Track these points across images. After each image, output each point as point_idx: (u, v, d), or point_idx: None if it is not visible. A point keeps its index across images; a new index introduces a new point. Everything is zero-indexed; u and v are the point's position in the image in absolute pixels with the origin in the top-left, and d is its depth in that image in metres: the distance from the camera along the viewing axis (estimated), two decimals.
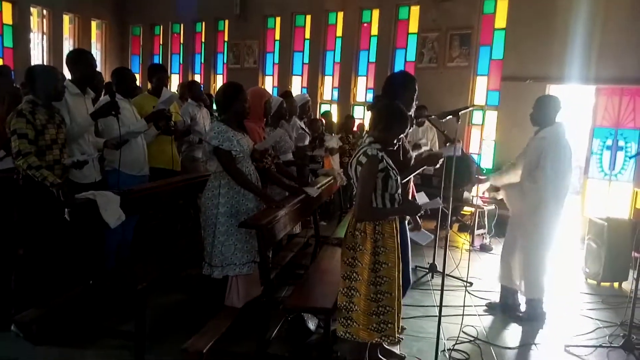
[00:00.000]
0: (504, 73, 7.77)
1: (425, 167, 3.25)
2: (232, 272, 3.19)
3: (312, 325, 3.46)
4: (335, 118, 8.80)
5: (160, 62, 11.22)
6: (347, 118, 8.00)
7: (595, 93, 7.02)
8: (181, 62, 11.59)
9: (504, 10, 7.85)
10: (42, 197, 3.04)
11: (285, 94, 4.95)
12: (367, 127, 7.65)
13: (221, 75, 11.12)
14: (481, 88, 8.29)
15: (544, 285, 4.03)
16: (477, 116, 8.35)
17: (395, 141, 2.69)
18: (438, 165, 3.23)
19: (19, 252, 3.32)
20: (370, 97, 9.27)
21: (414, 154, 3.42)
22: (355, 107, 9.52)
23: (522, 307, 4.16)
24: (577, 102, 7.46)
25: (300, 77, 10.15)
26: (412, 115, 3.27)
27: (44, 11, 10.41)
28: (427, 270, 5.03)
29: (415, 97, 3.25)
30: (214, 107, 7.51)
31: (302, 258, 4.69)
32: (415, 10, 8.74)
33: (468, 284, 4.60)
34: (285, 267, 4.27)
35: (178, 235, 4.61)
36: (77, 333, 3.28)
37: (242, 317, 3.20)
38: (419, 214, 3.03)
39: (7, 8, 9.71)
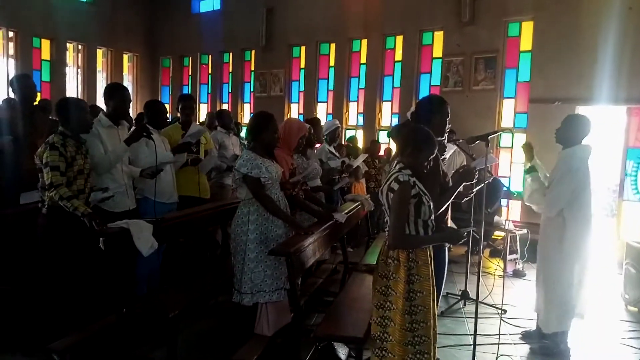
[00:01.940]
0: (532, 95, 7.69)
1: (463, 183, 3.08)
2: (262, 299, 3.18)
3: (342, 354, 3.41)
4: (360, 143, 8.83)
5: (190, 92, 11.54)
6: (372, 143, 8.01)
7: (627, 113, 6.87)
8: (209, 91, 11.90)
9: (529, 32, 7.81)
10: (69, 226, 3.11)
11: (313, 121, 5.00)
12: (394, 151, 7.66)
13: (248, 104, 11.34)
14: (508, 111, 8.20)
15: (562, 319, 3.73)
16: (505, 139, 8.25)
17: (425, 165, 2.65)
18: (475, 180, 3.08)
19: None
20: (395, 121, 9.28)
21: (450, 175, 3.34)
22: (381, 132, 9.53)
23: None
24: (608, 123, 7.30)
25: (325, 104, 10.25)
26: (445, 139, 3.24)
27: (79, 46, 10.89)
28: (459, 297, 4.91)
29: (447, 120, 3.20)
30: (242, 134, 7.73)
31: (330, 284, 4.64)
32: (439, 35, 8.78)
33: (502, 312, 4.47)
34: (314, 293, 4.24)
35: (208, 263, 4.64)
36: None
37: (273, 345, 3.18)
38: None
39: (46, 45, 10.23)
